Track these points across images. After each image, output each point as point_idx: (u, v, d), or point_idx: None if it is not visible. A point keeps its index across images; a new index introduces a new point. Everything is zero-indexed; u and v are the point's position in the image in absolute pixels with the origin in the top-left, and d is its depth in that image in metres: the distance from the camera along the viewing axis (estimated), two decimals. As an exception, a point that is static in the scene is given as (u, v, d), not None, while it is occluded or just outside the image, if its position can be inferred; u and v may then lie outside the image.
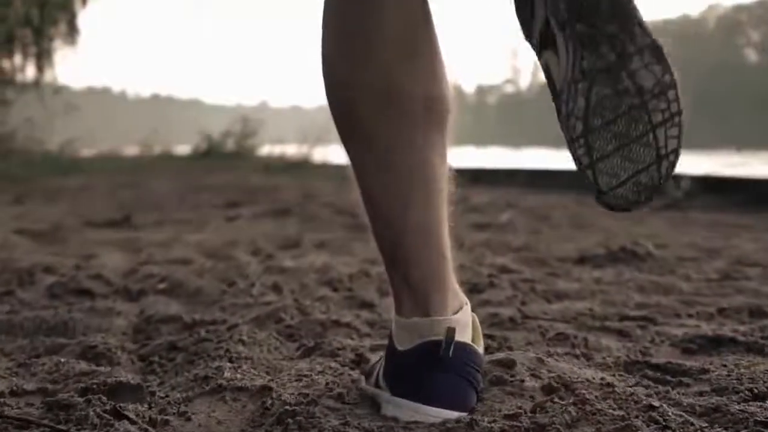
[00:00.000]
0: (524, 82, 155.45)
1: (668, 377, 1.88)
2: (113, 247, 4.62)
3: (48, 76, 22.44)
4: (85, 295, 2.85)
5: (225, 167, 14.48)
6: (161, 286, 3.00)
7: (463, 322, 1.65)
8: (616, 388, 1.68)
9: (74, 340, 2.21)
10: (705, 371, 1.91)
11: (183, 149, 20.41)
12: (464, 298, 1.72)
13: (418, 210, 1.66)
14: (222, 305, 2.67)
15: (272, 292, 2.86)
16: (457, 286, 1.71)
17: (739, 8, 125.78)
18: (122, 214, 6.08)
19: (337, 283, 3.07)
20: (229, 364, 1.87)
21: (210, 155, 18.02)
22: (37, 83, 21.87)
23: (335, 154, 16.01)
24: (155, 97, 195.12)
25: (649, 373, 1.91)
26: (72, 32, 22.52)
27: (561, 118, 1.53)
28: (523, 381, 1.71)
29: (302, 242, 4.87)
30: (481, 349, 1.68)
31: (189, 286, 2.94)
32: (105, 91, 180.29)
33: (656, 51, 1.48)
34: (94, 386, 1.75)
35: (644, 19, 1.49)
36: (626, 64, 1.48)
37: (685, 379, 1.86)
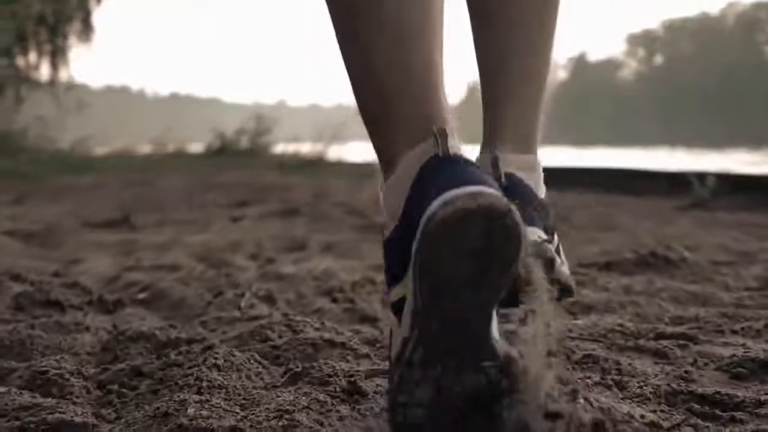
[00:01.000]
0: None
1: (718, 411, 1.58)
2: (105, 249, 4.34)
3: (63, 74, 22.37)
4: (53, 307, 2.54)
5: (238, 165, 14.20)
6: (142, 296, 2.71)
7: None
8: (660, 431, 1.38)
9: (26, 363, 1.91)
10: (761, 403, 1.61)
11: (197, 147, 20.17)
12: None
13: (426, 42, 1.44)
14: (204, 319, 2.36)
15: (263, 304, 2.55)
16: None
17: (758, 6, 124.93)
18: (121, 215, 5.79)
19: (337, 292, 2.77)
20: (196, 397, 1.56)
21: (223, 153, 17.76)
22: (51, 81, 21.78)
23: (351, 152, 15.82)
24: (174, 96, 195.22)
25: (696, 406, 1.60)
26: (86, 30, 22.41)
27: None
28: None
29: (308, 244, 4.59)
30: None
31: (172, 296, 2.64)
32: (123, 90, 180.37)
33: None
34: (31, 425, 1.45)
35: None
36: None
37: (738, 414, 1.56)
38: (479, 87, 1.76)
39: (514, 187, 1.61)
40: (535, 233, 1.57)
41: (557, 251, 1.74)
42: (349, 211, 6.36)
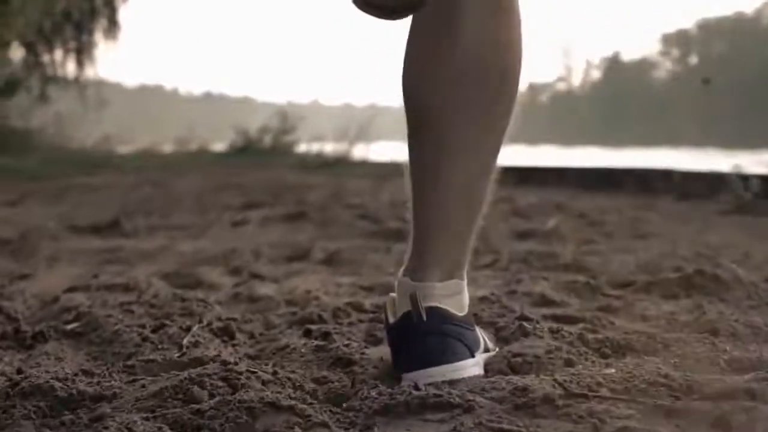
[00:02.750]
0: (576, 80, 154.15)
1: None
2: (77, 259, 3.89)
3: (89, 72, 22.19)
4: (-45, 341, 2.04)
5: (259, 165, 13.72)
6: (72, 326, 2.19)
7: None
8: None
9: None
10: None
11: (221, 146, 19.80)
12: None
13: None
14: (131, 363, 1.85)
15: (216, 339, 2.03)
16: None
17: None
18: (112, 219, 5.29)
19: (315, 322, 2.26)
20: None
21: (246, 152, 17.31)
22: (76, 79, 21.57)
23: (376, 151, 15.35)
24: (207, 95, 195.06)
25: None
26: (113, 27, 22.18)
27: None
28: None
29: (309, 253, 4.11)
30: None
31: (106, 327, 2.12)
32: (157, 89, 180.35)
33: None
34: None
35: None
36: None
37: None
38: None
39: (435, 322, 1.74)
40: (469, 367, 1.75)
41: (484, 343, 1.87)
42: (362, 215, 5.87)
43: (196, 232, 5.12)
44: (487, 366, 1.80)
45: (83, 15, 21.72)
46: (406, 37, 1.78)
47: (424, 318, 1.72)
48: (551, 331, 2.03)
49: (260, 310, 2.41)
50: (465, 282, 1.84)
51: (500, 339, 2.05)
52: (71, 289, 2.70)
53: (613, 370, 1.75)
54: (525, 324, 2.07)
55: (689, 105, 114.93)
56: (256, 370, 1.65)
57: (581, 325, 2.17)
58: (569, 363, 1.80)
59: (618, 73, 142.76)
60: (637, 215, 6.29)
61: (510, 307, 2.32)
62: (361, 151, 15.50)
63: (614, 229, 5.24)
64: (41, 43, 20.64)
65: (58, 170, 12.20)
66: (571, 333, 2.01)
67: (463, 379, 1.69)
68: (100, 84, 22.60)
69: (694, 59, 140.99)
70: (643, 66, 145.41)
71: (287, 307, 2.41)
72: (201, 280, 2.92)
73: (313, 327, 2.14)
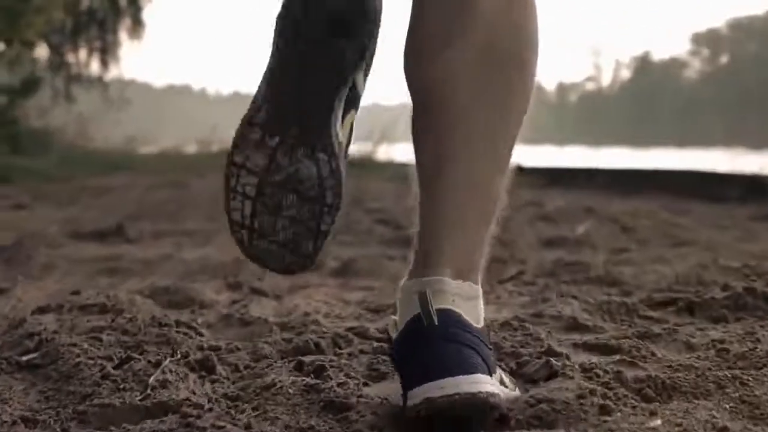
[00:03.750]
0: (606, 80, 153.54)
1: None
2: (68, 270, 3.62)
3: (113, 71, 22.20)
4: None
5: (282, 166, 13.46)
6: (28, 357, 1.90)
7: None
8: None
9: None
10: None
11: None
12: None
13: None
14: (81, 408, 1.55)
15: (187, 379, 1.71)
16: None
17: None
18: (116, 225, 5.01)
19: (310, 352, 1.96)
20: None
21: (269, 153, 17.05)
22: (100, 79, 21.51)
23: (401, 152, 15.05)
24: (236, 94, 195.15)
25: None
26: (137, 26, 22.13)
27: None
28: None
29: (323, 264, 3.83)
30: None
31: (66, 361, 1.81)
32: (185, 89, 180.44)
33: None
34: None
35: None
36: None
37: None
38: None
39: (448, 327, 1.50)
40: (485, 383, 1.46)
41: (500, 376, 1.64)
42: (382, 220, 5.59)
43: (204, 239, 4.85)
44: (509, 413, 1.50)
45: (107, 14, 21.67)
46: (411, 11, 1.65)
47: (436, 321, 1.49)
48: (583, 369, 1.72)
49: (251, 336, 2.11)
50: (480, 290, 1.62)
51: (524, 378, 1.75)
52: (42, 310, 2.39)
53: (659, 422, 1.44)
54: (553, 361, 1.76)
55: (719, 105, 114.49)
56: (224, 424, 1.35)
57: (617, 358, 1.87)
58: (605, 410, 1.49)
59: (648, 72, 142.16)
60: (670, 220, 5.99)
61: (535, 334, 2.01)
62: (385, 152, 15.22)
63: (648, 236, 4.94)
64: (66, 42, 20.60)
65: (76, 171, 11.98)
66: (606, 371, 1.69)
67: (480, 402, 1.42)
68: (124, 83, 22.55)
69: (724, 59, 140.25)
70: (673, 66, 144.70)
71: (282, 333, 2.11)
72: (193, 298, 2.62)
73: (307, 359, 1.83)
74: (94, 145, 17.41)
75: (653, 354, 1.92)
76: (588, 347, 2.00)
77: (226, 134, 21.02)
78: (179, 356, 1.79)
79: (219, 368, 1.80)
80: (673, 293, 2.79)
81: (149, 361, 1.74)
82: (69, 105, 19.12)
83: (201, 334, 2.09)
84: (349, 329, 2.13)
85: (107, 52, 21.87)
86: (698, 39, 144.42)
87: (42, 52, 19.28)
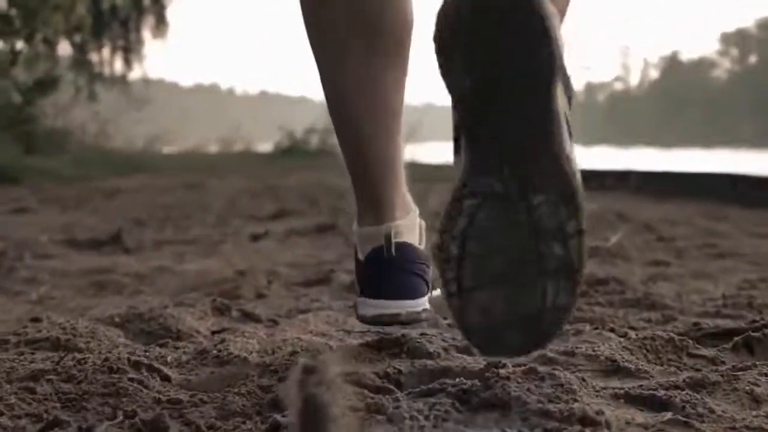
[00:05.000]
0: (634, 80, 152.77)
1: None
2: (50, 285, 3.27)
3: (137, 70, 22.13)
4: None
5: (303, 167, 13.11)
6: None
7: (410, 225, 1.94)
8: None
9: None
10: None
11: (268, 147, 19.32)
12: (413, 207, 2.00)
13: (380, 143, 1.90)
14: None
15: None
16: (408, 196, 2.01)
17: None
18: (112, 233, 4.66)
19: (285, 409, 1.60)
20: None
21: (292, 153, 16.77)
22: (123, 77, 21.42)
23: (425, 152, 14.70)
24: (263, 94, 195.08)
25: None
26: (161, 25, 22.04)
27: (438, 232, 1.39)
28: None
29: (332, 276, 3.50)
30: (422, 246, 1.95)
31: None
32: (213, 88, 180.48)
33: (567, 189, 1.32)
34: None
35: (571, 155, 1.34)
36: (526, 196, 1.31)
37: None
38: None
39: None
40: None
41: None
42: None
43: (208, 248, 4.50)
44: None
45: (130, 12, 21.59)
46: None
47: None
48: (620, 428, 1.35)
49: (223, 381, 1.75)
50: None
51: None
52: (-7, 342, 2.04)
53: None
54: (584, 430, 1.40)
55: (748, 105, 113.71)
56: None
57: (668, 416, 1.50)
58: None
59: (676, 72, 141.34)
60: (708, 227, 5.60)
61: (567, 384, 1.63)
62: (409, 153, 14.88)
63: (686, 246, 4.55)
64: (90, 41, 20.49)
65: (92, 172, 11.70)
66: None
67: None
68: (149, 83, 22.43)
69: (753, 59, 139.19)
70: (702, 65, 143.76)
71: (260, 378, 1.73)
72: (169, 327, 2.25)
73: (284, 421, 1.47)
74: (114, 145, 17.21)
75: (711, 411, 1.55)
76: (631, 399, 1.63)
77: (248, 133, 20.81)
78: (121, 417, 1.43)
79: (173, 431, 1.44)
80: (722, 319, 2.42)
81: (80, 428, 1.38)
82: (90, 104, 18.91)
83: (166, 378, 1.72)
84: (343, 375, 1.77)
85: (130, 50, 21.76)
86: (727, 39, 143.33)
87: (65, 50, 19.11)
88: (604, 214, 6.11)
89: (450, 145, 1.49)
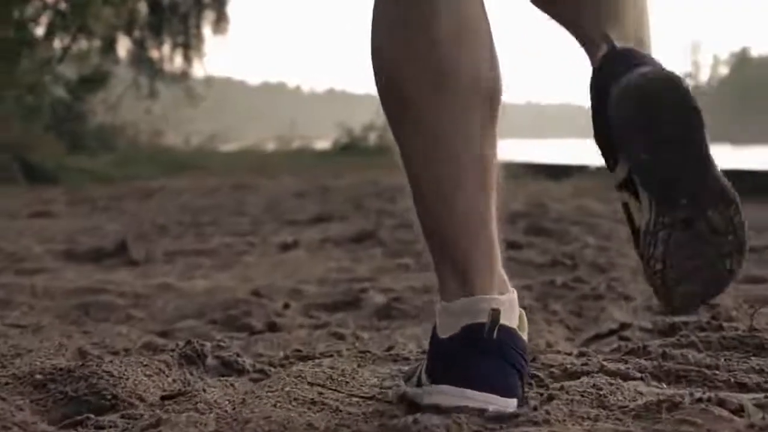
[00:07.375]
0: (704, 77, 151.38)
1: None
2: (29, 308, 2.77)
3: (199, 68, 22.01)
4: None
5: (360, 165, 12.53)
6: None
7: (509, 304, 1.62)
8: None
9: None
10: None
11: (326, 144, 18.89)
12: (510, 287, 1.67)
13: (467, 194, 1.61)
14: None
15: None
16: (503, 274, 1.67)
17: None
18: (118, 244, 4.09)
19: None
20: None
21: (349, 150, 16.26)
22: (183, 74, 21.19)
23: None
24: (330, 92, 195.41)
25: None
26: (221, 21, 21.75)
27: (640, 254, 1.60)
28: None
29: (362, 298, 2.96)
30: (525, 337, 1.65)
31: None
32: (280, 86, 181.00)
33: (726, 196, 1.56)
34: None
35: (715, 163, 1.57)
36: (703, 213, 1.57)
37: None
38: None
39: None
40: None
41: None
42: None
43: (228, 259, 3.96)
44: None
45: (190, 9, 21.36)
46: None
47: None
48: None
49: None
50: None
51: None
52: None
53: None
54: None
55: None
56: None
57: None
58: None
59: (746, 68, 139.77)
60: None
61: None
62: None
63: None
64: (149, 37, 20.30)
65: (139, 171, 11.22)
66: None
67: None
68: (210, 80, 22.20)
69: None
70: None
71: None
72: (103, 392, 1.60)
73: None
74: (168, 143, 16.87)
75: None
76: None
77: (308, 131, 20.37)
78: None
79: None
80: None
81: None
82: (145, 102, 18.61)
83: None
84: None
85: (190, 47, 21.47)
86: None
87: (124, 46, 18.90)
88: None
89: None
